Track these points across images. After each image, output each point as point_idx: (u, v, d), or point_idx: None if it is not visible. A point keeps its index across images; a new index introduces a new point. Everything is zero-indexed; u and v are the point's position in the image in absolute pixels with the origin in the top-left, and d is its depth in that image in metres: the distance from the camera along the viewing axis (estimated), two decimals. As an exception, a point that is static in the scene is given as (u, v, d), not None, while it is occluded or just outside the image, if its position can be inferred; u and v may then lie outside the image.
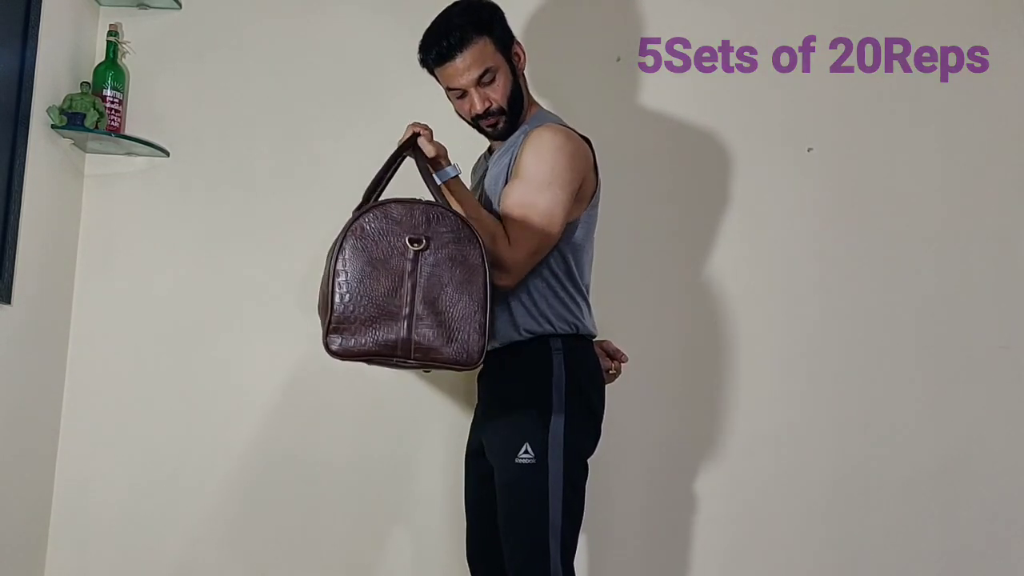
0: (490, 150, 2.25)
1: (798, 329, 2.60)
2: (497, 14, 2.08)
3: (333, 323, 1.77)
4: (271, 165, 2.62)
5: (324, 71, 2.65)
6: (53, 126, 2.43)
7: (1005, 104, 2.68)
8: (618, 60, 2.67)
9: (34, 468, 2.46)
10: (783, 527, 2.54)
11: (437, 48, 2.02)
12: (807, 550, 2.54)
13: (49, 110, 2.42)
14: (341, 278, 1.78)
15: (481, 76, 2.02)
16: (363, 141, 2.61)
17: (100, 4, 2.63)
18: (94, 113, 2.45)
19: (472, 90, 2.03)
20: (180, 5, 2.65)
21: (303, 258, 2.58)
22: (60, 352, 2.54)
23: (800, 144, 2.65)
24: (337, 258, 1.78)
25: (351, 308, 1.77)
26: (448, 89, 2.08)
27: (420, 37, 2.06)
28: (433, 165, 2.00)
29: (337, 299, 1.77)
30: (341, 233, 1.80)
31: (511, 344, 2.03)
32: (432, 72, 2.09)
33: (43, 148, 2.41)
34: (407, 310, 1.78)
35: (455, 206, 1.99)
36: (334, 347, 1.78)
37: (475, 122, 2.10)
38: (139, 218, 2.61)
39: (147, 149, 2.57)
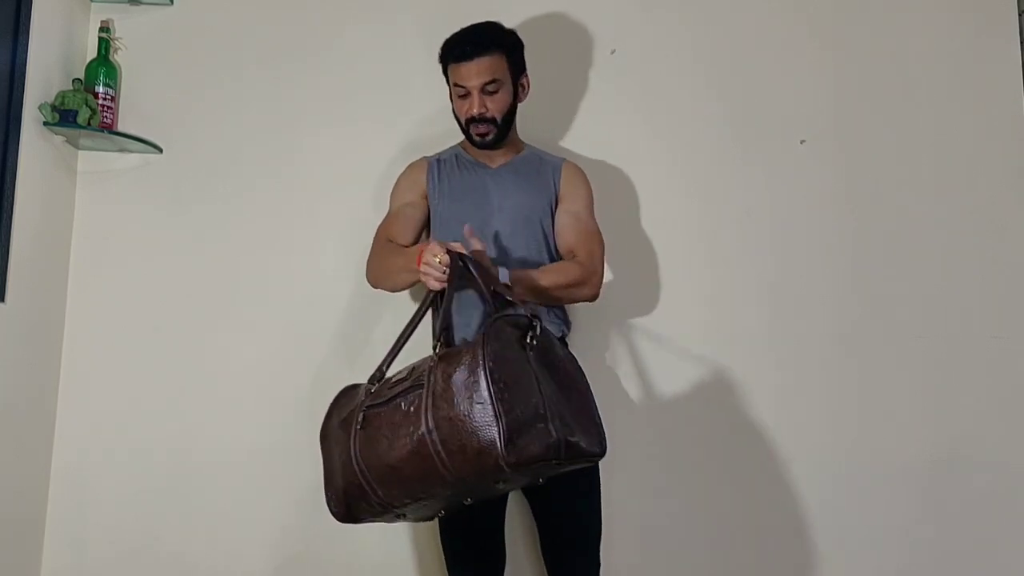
0: (466, 158, 2.33)
1: (790, 320, 2.60)
2: (519, 44, 2.26)
3: (507, 433, 1.68)
4: (264, 161, 2.62)
5: (316, 66, 2.65)
6: (45, 123, 2.42)
7: (998, 97, 2.68)
8: (612, 53, 2.67)
9: (30, 464, 2.46)
10: (774, 518, 2.55)
11: (460, 48, 2.19)
12: (800, 539, 2.54)
13: (41, 107, 2.41)
14: (500, 386, 1.70)
15: (487, 83, 2.18)
16: (356, 136, 2.63)
17: (92, 1, 2.62)
18: (86, 110, 2.44)
19: (475, 93, 2.19)
20: (172, 1, 2.64)
21: (296, 254, 2.59)
22: (55, 349, 2.54)
23: (792, 136, 2.66)
24: (491, 373, 1.71)
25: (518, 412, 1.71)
26: (455, 85, 2.22)
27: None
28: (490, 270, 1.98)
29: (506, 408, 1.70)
30: (480, 362, 1.73)
31: None
32: (446, 68, 2.25)
33: (35, 145, 2.41)
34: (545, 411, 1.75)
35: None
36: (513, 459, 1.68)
37: (467, 124, 2.24)
38: (132, 215, 2.60)
39: (140, 146, 2.57)
